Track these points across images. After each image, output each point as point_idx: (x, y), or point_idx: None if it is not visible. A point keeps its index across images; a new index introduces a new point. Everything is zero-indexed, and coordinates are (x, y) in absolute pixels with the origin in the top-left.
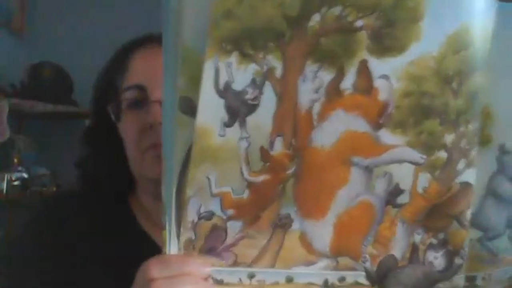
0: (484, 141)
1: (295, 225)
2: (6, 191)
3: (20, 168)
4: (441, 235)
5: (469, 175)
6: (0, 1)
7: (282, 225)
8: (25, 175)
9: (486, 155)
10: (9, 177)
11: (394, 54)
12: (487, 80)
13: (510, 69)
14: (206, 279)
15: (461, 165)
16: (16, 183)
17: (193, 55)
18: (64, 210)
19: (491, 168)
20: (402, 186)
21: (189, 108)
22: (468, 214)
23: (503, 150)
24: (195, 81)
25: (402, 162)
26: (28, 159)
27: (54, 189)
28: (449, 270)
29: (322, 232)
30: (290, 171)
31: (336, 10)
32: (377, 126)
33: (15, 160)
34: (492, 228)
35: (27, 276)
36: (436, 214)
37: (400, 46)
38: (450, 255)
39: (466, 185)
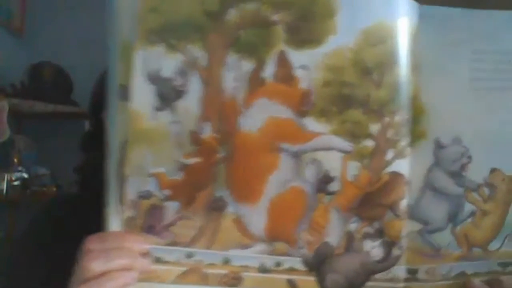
0: (419, 135)
1: (230, 208)
2: (6, 191)
3: (20, 168)
4: (376, 225)
5: (400, 166)
6: (0, 1)
7: (217, 207)
8: (25, 175)
9: (423, 149)
10: (9, 177)
11: (311, 46)
12: (411, 74)
13: (445, 69)
14: (144, 255)
15: (389, 155)
16: (16, 183)
17: (127, 47)
18: (64, 211)
19: (428, 161)
20: (332, 174)
21: (126, 95)
22: (403, 204)
23: (438, 145)
24: (130, 70)
25: (330, 150)
26: (28, 159)
27: (54, 189)
28: (387, 261)
29: (257, 216)
30: (220, 155)
31: (253, 5)
32: (301, 114)
33: (15, 160)
34: (432, 221)
35: (27, 276)
36: (370, 203)
37: (317, 39)
38: (388, 246)
39: (397, 176)
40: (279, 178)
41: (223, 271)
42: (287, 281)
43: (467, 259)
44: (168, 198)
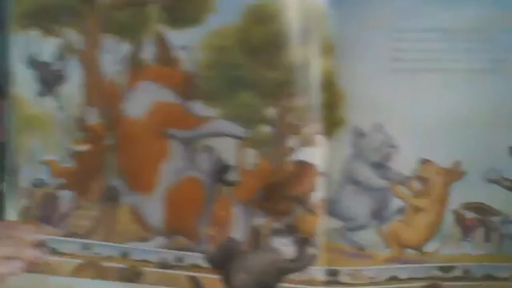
0: (337, 122)
1: (125, 199)
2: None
3: None
4: (286, 220)
5: (309, 155)
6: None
7: (110, 197)
8: None
9: (341, 138)
10: None
11: (190, 25)
12: (320, 56)
13: (363, 50)
14: (37, 246)
15: (292, 142)
16: None
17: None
18: None
19: (347, 151)
20: (229, 162)
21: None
22: (315, 198)
23: (358, 133)
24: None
25: (222, 136)
26: None
27: None
28: (301, 260)
29: (153, 208)
30: (108, 142)
31: None
32: (187, 97)
33: None
34: (353, 218)
35: None
36: (275, 196)
37: (195, 18)
38: (301, 243)
39: (305, 165)
40: (172, 167)
41: (121, 265)
42: (190, 278)
43: (399, 262)
44: (62, 187)
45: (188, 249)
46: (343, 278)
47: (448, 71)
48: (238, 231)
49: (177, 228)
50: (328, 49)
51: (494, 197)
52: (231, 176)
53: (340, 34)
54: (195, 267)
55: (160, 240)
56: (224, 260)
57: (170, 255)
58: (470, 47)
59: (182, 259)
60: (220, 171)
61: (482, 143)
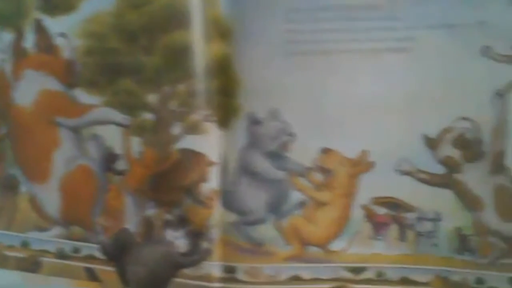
0: (233, 109)
1: (23, 187)
2: None
3: None
4: (177, 212)
5: (194, 143)
6: None
7: (9, 186)
8: None
9: (237, 126)
10: None
11: (65, 12)
12: (203, 40)
13: (259, 33)
14: None
15: (177, 129)
16: None
17: None
18: None
19: (242, 140)
20: (116, 151)
21: None
22: (206, 189)
23: (253, 120)
24: None
25: (106, 124)
26: None
27: None
28: (195, 255)
29: (50, 197)
30: (2, 131)
31: None
32: (70, 85)
33: None
34: (250, 212)
35: None
36: (164, 186)
37: (70, 5)
38: (193, 237)
39: (191, 154)
40: (65, 155)
41: (22, 254)
42: (85, 270)
43: (302, 260)
44: None
45: (84, 240)
46: (240, 276)
47: (349, 53)
48: (131, 222)
49: (73, 218)
50: (222, 32)
51: (408, 191)
52: (119, 165)
53: (234, 16)
54: (92, 258)
55: (58, 230)
56: (117, 252)
57: (68, 246)
58: (371, 26)
59: (79, 250)
60: (108, 159)
61: (393, 130)
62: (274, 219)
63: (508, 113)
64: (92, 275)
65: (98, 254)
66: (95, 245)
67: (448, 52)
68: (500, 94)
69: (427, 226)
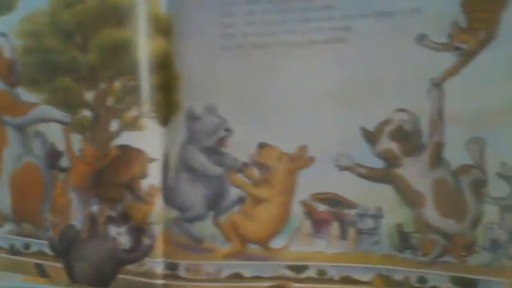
0: (174, 105)
1: None
2: None
3: None
4: (119, 208)
5: (133, 139)
6: None
7: None
8: None
9: (177, 122)
10: None
11: (3, 12)
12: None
13: (197, 28)
14: None
15: (115, 126)
16: None
17: None
18: None
19: (182, 136)
20: (59, 148)
21: None
22: (145, 185)
23: (191, 116)
24: None
25: (48, 121)
26: None
27: None
28: (137, 251)
29: (2, 194)
30: None
31: None
32: (12, 84)
33: None
34: (190, 208)
35: None
36: (105, 182)
37: (8, 4)
38: (136, 233)
39: (129, 150)
40: (12, 153)
41: None
42: (35, 266)
43: (242, 258)
44: None
45: (35, 236)
46: (182, 273)
47: (285, 45)
48: (76, 218)
49: (23, 214)
50: (162, 29)
51: (348, 187)
52: (64, 162)
53: (174, 12)
54: (42, 254)
55: (10, 226)
56: (65, 248)
57: (19, 242)
58: (307, 17)
59: (29, 246)
60: (52, 156)
61: (331, 124)
62: (213, 216)
63: (445, 102)
64: (41, 271)
65: (47, 250)
66: (44, 242)
67: (384, 41)
68: (436, 84)
69: (368, 223)
